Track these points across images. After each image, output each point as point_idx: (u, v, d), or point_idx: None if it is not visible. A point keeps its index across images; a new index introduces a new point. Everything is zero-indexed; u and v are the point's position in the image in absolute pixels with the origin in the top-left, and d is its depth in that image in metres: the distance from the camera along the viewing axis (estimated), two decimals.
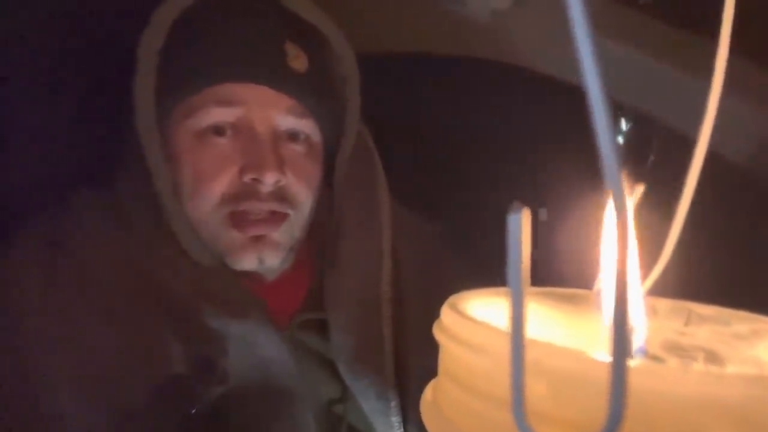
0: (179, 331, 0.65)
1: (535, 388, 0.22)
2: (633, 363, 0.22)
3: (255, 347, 0.68)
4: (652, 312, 0.31)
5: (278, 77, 0.67)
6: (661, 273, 0.32)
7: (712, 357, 0.29)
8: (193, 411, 0.63)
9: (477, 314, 0.28)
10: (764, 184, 0.71)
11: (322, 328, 0.73)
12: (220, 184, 0.66)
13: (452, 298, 0.29)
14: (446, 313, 0.27)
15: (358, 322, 0.73)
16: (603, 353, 0.24)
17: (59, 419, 0.61)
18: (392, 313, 0.75)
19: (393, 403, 0.70)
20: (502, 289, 0.31)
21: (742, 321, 0.29)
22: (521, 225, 0.19)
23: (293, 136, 0.70)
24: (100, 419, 0.61)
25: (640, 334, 0.27)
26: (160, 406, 0.62)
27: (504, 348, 0.23)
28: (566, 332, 0.31)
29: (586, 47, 0.17)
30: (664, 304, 0.31)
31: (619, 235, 0.18)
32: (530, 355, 0.22)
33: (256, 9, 0.70)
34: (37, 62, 0.72)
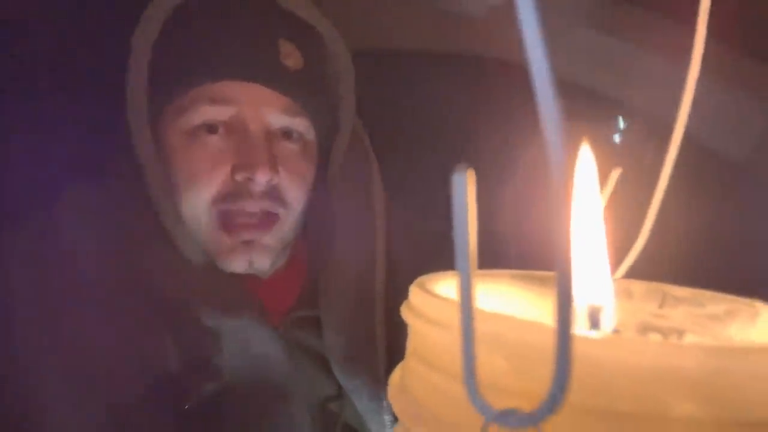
0: (173, 329, 0.65)
1: (495, 362, 0.22)
2: (591, 335, 0.22)
3: (249, 344, 0.67)
4: (627, 294, 0.31)
5: (271, 75, 0.67)
6: (640, 257, 0.32)
7: (686, 339, 0.29)
8: (186, 407, 0.63)
9: (446, 294, 0.28)
10: (762, 179, 0.71)
11: (317, 325, 0.73)
12: (213, 184, 0.66)
13: (421, 279, 0.28)
14: (414, 293, 0.27)
15: (351, 321, 0.72)
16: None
17: (53, 418, 0.61)
18: (386, 313, 0.74)
19: (385, 403, 0.70)
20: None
21: (717, 302, 0.29)
22: (466, 185, 0.18)
23: (287, 134, 0.70)
24: (94, 417, 0.61)
25: (609, 315, 0.27)
26: (153, 403, 0.62)
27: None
28: (538, 313, 0.31)
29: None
30: (639, 286, 0.31)
31: (559, 200, 0.17)
32: (489, 329, 0.22)
33: (250, 7, 0.70)
34: (32, 60, 0.73)
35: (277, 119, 0.68)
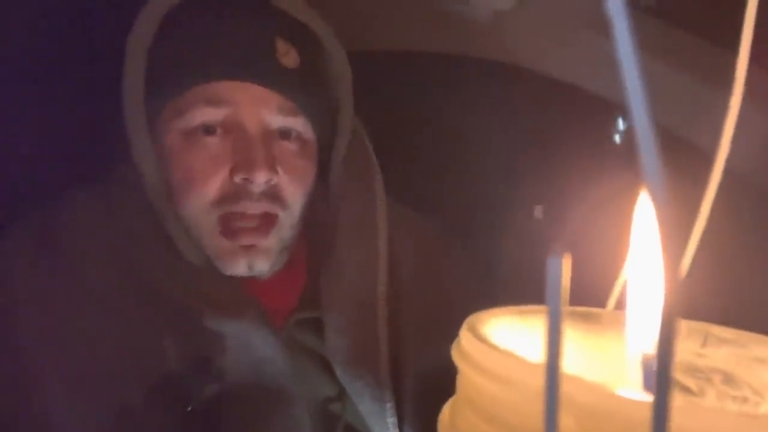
0: (174, 330, 0.65)
1: (563, 422, 0.22)
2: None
3: (250, 347, 0.67)
4: None
5: (268, 74, 0.66)
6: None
7: (729, 379, 0.29)
8: (189, 409, 0.63)
9: (496, 336, 0.27)
10: (766, 190, 0.71)
11: (319, 326, 0.73)
12: (211, 186, 0.66)
13: (471, 320, 0.28)
14: (466, 338, 0.26)
15: (353, 323, 0.72)
16: (632, 388, 0.24)
17: (54, 418, 0.61)
18: (389, 314, 0.74)
19: (389, 405, 0.70)
20: (521, 308, 0.30)
21: (761, 344, 0.29)
22: (561, 270, 0.18)
23: (285, 133, 0.69)
24: (95, 418, 0.61)
25: None
26: (155, 404, 0.62)
27: (529, 379, 0.23)
28: (585, 356, 0.30)
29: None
30: (681, 324, 0.31)
31: (664, 258, 0.17)
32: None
33: (245, 6, 0.69)
34: (30, 62, 0.71)
35: (275, 119, 0.68)
